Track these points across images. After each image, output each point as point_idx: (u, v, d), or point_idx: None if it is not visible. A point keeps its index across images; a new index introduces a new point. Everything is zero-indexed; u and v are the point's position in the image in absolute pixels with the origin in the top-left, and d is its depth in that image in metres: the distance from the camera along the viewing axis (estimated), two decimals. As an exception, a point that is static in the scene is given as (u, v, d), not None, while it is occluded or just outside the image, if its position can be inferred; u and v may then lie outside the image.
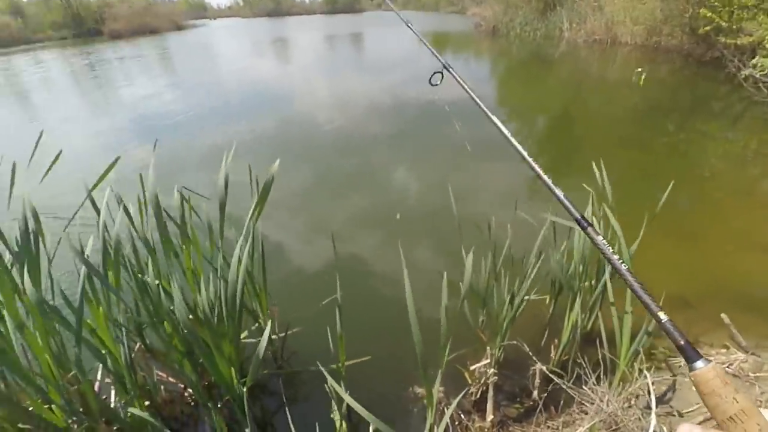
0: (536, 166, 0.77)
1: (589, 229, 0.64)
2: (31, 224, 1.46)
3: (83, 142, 6.35)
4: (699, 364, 0.45)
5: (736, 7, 7.62)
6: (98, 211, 1.63)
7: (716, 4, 8.08)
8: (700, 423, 0.41)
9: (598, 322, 2.05)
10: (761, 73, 6.20)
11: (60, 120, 7.96)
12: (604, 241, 0.62)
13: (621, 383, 1.81)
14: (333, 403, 1.74)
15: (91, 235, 1.74)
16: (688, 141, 5.33)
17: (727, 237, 3.27)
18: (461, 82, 1.13)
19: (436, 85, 1.32)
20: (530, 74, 10.89)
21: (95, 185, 1.75)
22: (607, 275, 1.94)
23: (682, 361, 2.07)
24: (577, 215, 0.67)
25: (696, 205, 3.80)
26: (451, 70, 1.26)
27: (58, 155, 1.71)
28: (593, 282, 2.09)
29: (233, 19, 61.86)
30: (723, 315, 2.12)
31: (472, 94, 1.06)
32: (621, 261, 0.59)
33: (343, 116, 7.24)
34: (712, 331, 2.24)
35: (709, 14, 8.26)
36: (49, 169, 1.64)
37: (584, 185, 2.20)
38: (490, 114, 0.95)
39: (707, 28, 8.53)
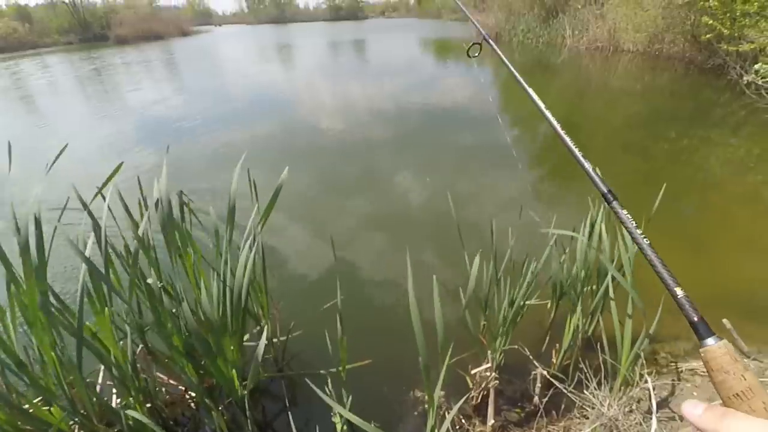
0: (568, 140, 0.78)
1: (614, 203, 0.65)
2: (31, 228, 1.48)
3: (89, 145, 6.40)
4: (710, 341, 0.46)
5: (738, 14, 7.65)
6: (91, 214, 1.65)
7: (718, 12, 8.12)
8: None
9: (599, 327, 2.05)
10: (763, 79, 6.21)
11: (67, 124, 8.02)
12: (628, 215, 0.63)
13: (622, 388, 1.81)
14: (334, 405, 1.74)
15: (91, 236, 1.75)
16: (690, 148, 5.33)
17: (731, 243, 3.27)
18: (498, 51, 1.17)
19: (475, 56, 1.40)
20: (533, 81, 10.75)
21: (98, 192, 1.77)
22: (609, 279, 1.94)
23: (683, 365, 2.07)
24: (604, 189, 0.68)
25: (699, 211, 3.80)
26: (490, 41, 1.31)
27: (64, 148, 1.72)
28: (594, 287, 2.09)
29: (238, 26, 62.34)
30: (725, 320, 2.11)
31: (509, 64, 1.09)
32: (643, 235, 0.59)
33: (347, 122, 7.28)
34: (714, 337, 2.23)
35: (710, 22, 8.31)
36: (55, 160, 1.66)
37: (586, 191, 2.20)
38: (526, 85, 0.96)
39: (709, 35, 8.57)
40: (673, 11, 10.51)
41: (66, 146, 1.74)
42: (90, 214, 1.60)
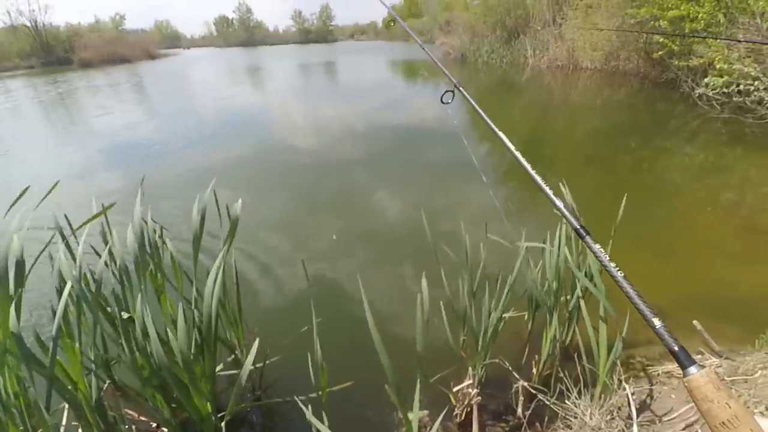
0: (538, 179, 0.80)
1: (587, 237, 0.66)
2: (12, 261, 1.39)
3: (54, 173, 6.15)
4: (692, 370, 0.45)
5: (686, 32, 8.16)
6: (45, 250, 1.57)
7: (668, 30, 8.64)
8: (683, 430, 0.41)
9: (575, 336, 2.07)
10: (713, 91, 6.60)
11: (31, 151, 7.68)
12: (601, 249, 0.64)
13: (602, 395, 1.83)
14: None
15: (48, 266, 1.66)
16: (650, 158, 5.57)
17: (695, 247, 3.41)
18: (470, 99, 1.19)
19: (448, 103, 1.39)
20: (498, 99, 11.28)
21: (83, 224, 1.69)
22: (579, 289, 1.98)
23: (659, 368, 2.11)
24: (576, 224, 0.69)
25: (663, 218, 3.95)
26: (461, 89, 1.32)
27: (25, 190, 1.65)
28: (568, 297, 2.12)
29: (207, 49, 62.11)
30: (695, 322, 2.18)
31: (480, 111, 1.11)
32: (617, 268, 0.60)
33: (319, 142, 7.28)
34: (686, 339, 2.30)
35: (661, 40, 8.82)
36: (14, 203, 1.59)
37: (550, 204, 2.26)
38: (497, 130, 0.99)
39: (661, 52, 9.10)
40: (626, 31, 11.12)
41: (27, 189, 1.67)
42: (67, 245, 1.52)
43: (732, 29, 7.41)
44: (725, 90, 6.50)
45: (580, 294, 1.95)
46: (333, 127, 8.32)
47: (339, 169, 5.80)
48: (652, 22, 9.26)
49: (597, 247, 0.63)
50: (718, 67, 6.60)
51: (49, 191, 1.64)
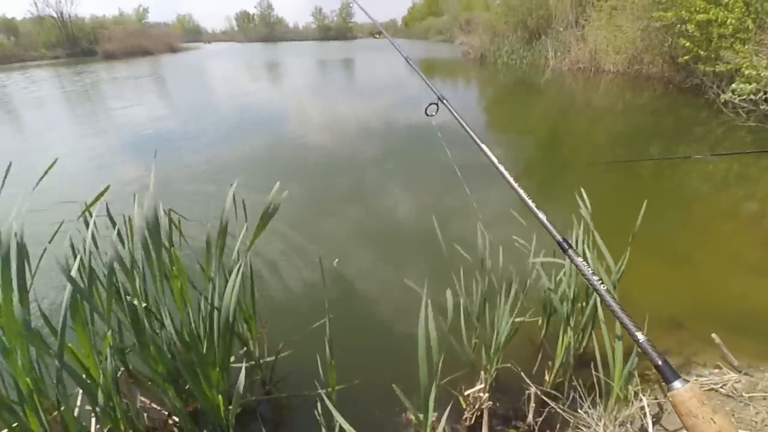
0: (522, 192, 0.79)
1: (570, 251, 0.65)
2: (13, 245, 1.42)
3: (77, 163, 6.29)
4: (676, 384, 0.44)
5: (714, 36, 7.95)
6: (58, 236, 1.60)
7: (695, 34, 8.44)
8: None
9: (591, 344, 2.03)
10: (740, 98, 6.43)
11: (55, 141, 7.85)
12: (584, 262, 0.63)
13: (616, 406, 1.79)
14: (323, 429, 1.69)
15: (72, 253, 1.69)
16: (672, 165, 5.45)
17: (715, 258, 3.32)
18: (454, 113, 1.17)
19: (432, 115, 1.36)
20: (517, 100, 11.16)
21: (85, 209, 1.72)
22: (596, 297, 1.94)
23: (676, 383, 2.06)
24: (559, 238, 0.68)
25: (683, 227, 3.86)
26: (445, 102, 1.29)
27: (54, 162, 1.68)
28: (584, 304, 2.09)
29: (228, 44, 62.74)
30: (714, 335, 2.12)
31: (463, 123, 1.10)
32: (601, 282, 0.59)
33: (335, 139, 7.30)
34: (704, 352, 2.24)
35: (688, 44, 8.62)
36: (44, 175, 1.62)
37: (570, 208, 2.22)
38: (480, 143, 0.98)
39: (686, 57, 8.88)
40: (651, 34, 10.89)
41: (55, 161, 1.70)
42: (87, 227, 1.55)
43: (761, 35, 7.21)
44: (752, 97, 6.32)
45: (599, 300, 1.91)
46: (351, 125, 8.34)
47: (353, 167, 5.80)
48: (678, 26, 9.05)
49: (579, 260, 0.62)
50: (746, 73, 6.42)
51: (48, 168, 1.66)
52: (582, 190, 2.14)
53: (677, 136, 6.81)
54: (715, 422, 0.40)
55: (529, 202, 0.75)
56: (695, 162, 5.51)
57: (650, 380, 2.11)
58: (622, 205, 4.12)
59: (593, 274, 0.59)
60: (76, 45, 37.04)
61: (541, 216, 0.72)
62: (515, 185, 0.81)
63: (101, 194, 1.75)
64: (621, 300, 1.73)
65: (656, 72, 11.47)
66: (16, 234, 1.41)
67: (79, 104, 12.11)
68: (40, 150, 7.19)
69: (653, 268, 3.06)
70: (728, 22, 7.64)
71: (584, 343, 2.17)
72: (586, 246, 2.04)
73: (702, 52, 8.47)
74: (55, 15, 38.72)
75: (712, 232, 3.77)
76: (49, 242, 1.65)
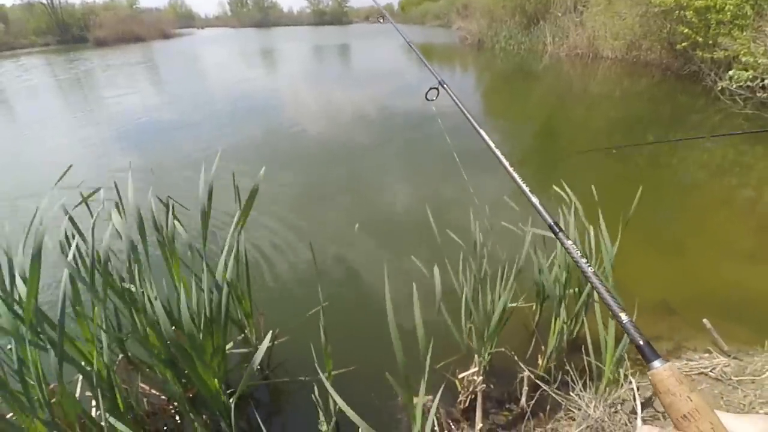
0: (515, 175, 0.80)
1: (560, 234, 0.67)
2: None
3: (74, 153, 6.24)
4: (656, 363, 0.46)
5: (712, 23, 7.90)
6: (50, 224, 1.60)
7: (693, 20, 8.38)
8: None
9: (583, 329, 2.07)
10: (737, 85, 6.42)
11: (50, 131, 7.77)
12: (573, 245, 0.64)
13: (607, 389, 1.83)
14: (320, 413, 1.72)
15: (65, 241, 1.70)
16: (668, 152, 5.46)
17: (709, 245, 3.35)
18: (454, 97, 1.17)
19: (432, 100, 1.36)
20: (514, 86, 11.10)
21: (83, 200, 1.72)
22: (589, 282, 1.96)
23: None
24: (550, 221, 0.70)
25: (677, 213, 3.89)
26: (446, 86, 1.29)
27: (68, 168, 1.70)
28: (577, 289, 2.11)
29: (221, 29, 61.75)
30: (705, 320, 2.16)
31: (462, 108, 1.10)
32: (588, 264, 0.61)
33: (330, 125, 7.26)
34: (695, 337, 2.29)
35: (686, 30, 8.57)
36: (60, 179, 1.63)
37: (564, 194, 2.24)
38: (477, 127, 0.98)
39: (684, 43, 8.83)
40: (650, 20, 10.80)
41: (70, 167, 1.71)
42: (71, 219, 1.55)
43: (760, 22, 7.17)
44: (749, 84, 6.31)
45: (590, 287, 1.94)
46: (348, 112, 8.29)
47: (350, 155, 5.79)
48: (677, 12, 8.98)
49: (569, 242, 0.64)
50: (743, 60, 6.40)
51: (63, 174, 1.67)
52: (577, 176, 2.16)
53: (674, 123, 6.82)
54: (691, 400, 0.42)
55: (522, 185, 0.76)
56: (691, 149, 5.51)
57: (641, 364, 2.15)
58: (618, 192, 4.14)
59: (582, 256, 0.60)
60: (67, 32, 36.42)
61: (534, 199, 0.74)
62: (510, 169, 0.82)
63: (65, 173, 1.76)
64: (615, 285, 1.76)
65: (654, 58, 11.40)
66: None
67: (73, 93, 11.96)
68: (34, 141, 7.13)
69: (647, 254, 3.10)
70: (726, 8, 7.59)
71: (577, 329, 2.21)
72: (577, 231, 2.06)
73: (700, 39, 8.42)
74: (44, 1, 37.99)
75: (707, 219, 3.80)
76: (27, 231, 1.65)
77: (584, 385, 1.84)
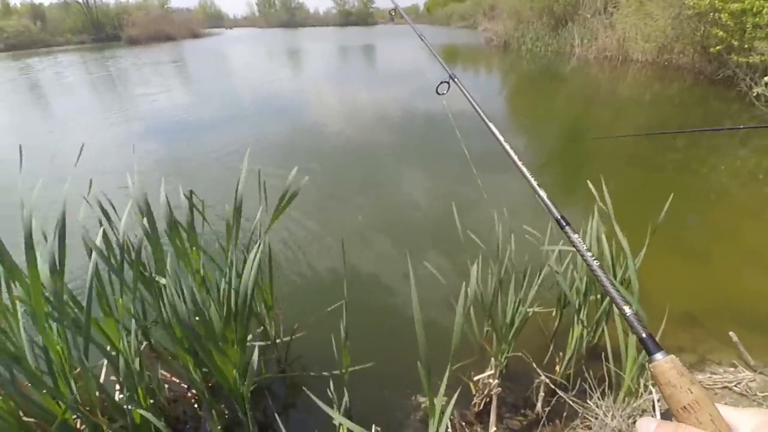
0: (524, 169, 0.80)
1: (567, 228, 0.67)
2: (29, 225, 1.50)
3: (103, 144, 6.48)
4: (658, 356, 0.47)
5: (748, 26, 7.62)
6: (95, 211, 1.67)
7: (729, 23, 8.10)
8: None
9: (603, 336, 2.03)
10: (774, 91, 6.18)
11: (84, 127, 8.08)
12: (580, 239, 0.64)
13: (626, 398, 1.79)
14: (335, 408, 1.74)
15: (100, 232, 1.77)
16: (698, 158, 5.30)
17: (737, 255, 3.24)
18: (465, 92, 1.17)
19: (443, 94, 1.36)
20: (540, 89, 10.93)
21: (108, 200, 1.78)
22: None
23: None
24: (557, 214, 0.70)
25: (706, 222, 3.77)
26: (456, 80, 1.30)
27: (82, 148, 1.77)
28: (599, 296, 2.08)
29: (249, 29, 62.87)
30: (731, 333, 2.10)
31: (473, 102, 1.10)
32: (593, 257, 0.61)
33: (354, 125, 7.31)
34: (720, 350, 2.22)
35: (720, 34, 8.29)
36: (78, 159, 1.71)
37: (589, 199, 2.20)
38: (488, 122, 0.99)
39: (719, 47, 8.54)
40: (683, 22, 10.49)
41: (83, 145, 1.77)
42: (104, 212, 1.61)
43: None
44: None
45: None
46: (372, 113, 8.34)
47: (373, 155, 5.82)
48: (711, 15, 8.69)
49: (575, 236, 0.64)
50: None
51: (79, 155, 1.75)
52: (602, 181, 2.12)
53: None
54: (692, 392, 0.43)
55: (531, 179, 0.77)
56: (723, 157, 5.34)
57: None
58: (643, 197, 4.05)
59: (588, 250, 0.61)
60: (101, 30, 37.68)
61: (542, 193, 0.74)
62: (519, 163, 0.82)
63: (80, 152, 1.82)
64: (639, 291, 1.73)
65: (686, 62, 11.06)
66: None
67: (107, 90, 12.36)
68: (69, 136, 7.42)
69: (672, 262, 3.02)
70: (764, 11, 7.30)
71: (597, 335, 2.17)
72: (604, 236, 2.02)
73: (735, 42, 8.13)
74: (80, 1, 39.39)
75: (735, 227, 3.67)
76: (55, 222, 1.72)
77: (602, 393, 1.81)
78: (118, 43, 32.96)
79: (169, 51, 24.44)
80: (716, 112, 7.64)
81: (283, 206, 1.85)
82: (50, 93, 12.22)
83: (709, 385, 1.96)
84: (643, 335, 0.50)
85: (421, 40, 1.69)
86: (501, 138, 0.92)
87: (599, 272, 0.58)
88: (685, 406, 0.42)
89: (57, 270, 1.47)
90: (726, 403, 1.73)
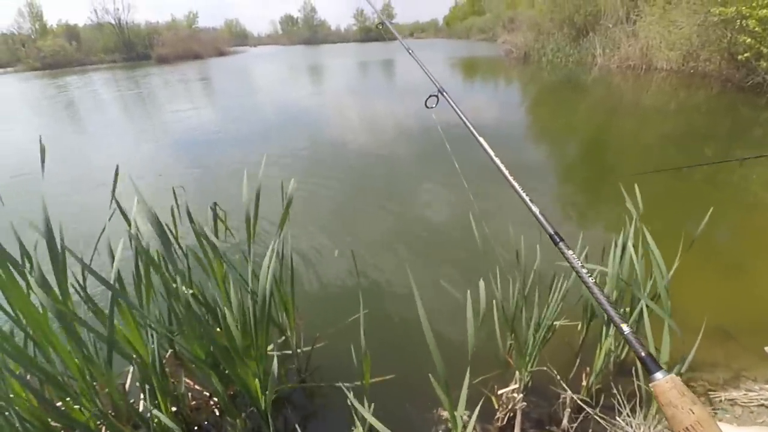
0: (517, 186, 0.80)
1: (561, 244, 0.66)
2: (54, 235, 1.54)
3: (138, 164, 6.71)
4: (658, 375, 0.45)
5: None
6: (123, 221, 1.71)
7: (757, 30, 7.89)
8: None
9: (632, 351, 1.96)
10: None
11: (113, 141, 8.40)
12: (574, 255, 0.63)
13: (657, 415, 1.72)
14: (356, 419, 1.72)
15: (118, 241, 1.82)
16: (728, 168, 5.12)
17: (772, 268, 3.10)
18: (454, 106, 1.20)
19: (432, 107, 1.39)
20: (561, 98, 10.83)
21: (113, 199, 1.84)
22: (643, 303, 1.86)
23: (723, 395, 1.95)
24: (551, 230, 0.69)
25: (738, 234, 3.63)
26: (445, 94, 1.33)
27: (117, 171, 1.83)
28: (628, 309, 2.01)
29: (272, 47, 64.60)
30: (766, 348, 2.00)
31: (462, 116, 1.12)
32: (589, 275, 0.59)
33: (371, 137, 7.37)
34: (756, 366, 2.11)
35: (749, 40, 8.08)
36: (115, 184, 1.77)
37: (617, 212, 2.15)
38: (478, 137, 1.00)
39: (747, 54, 8.32)
40: (709, 29, 10.26)
41: (117, 168, 1.83)
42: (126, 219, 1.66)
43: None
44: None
45: (645, 306, 1.83)
46: (388, 125, 8.41)
47: (390, 165, 5.84)
48: (738, 21, 8.49)
49: (570, 253, 0.63)
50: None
51: (115, 178, 1.81)
52: (628, 194, 2.07)
53: (734, 138, 6.40)
54: (694, 413, 0.41)
55: (524, 195, 0.77)
56: (754, 165, 5.14)
57: (696, 391, 2.01)
58: (671, 209, 3.93)
59: (582, 267, 0.60)
60: (132, 50, 39.33)
61: (534, 209, 0.74)
62: (511, 179, 0.83)
63: (116, 174, 1.87)
64: (671, 304, 1.66)
65: (713, 69, 10.79)
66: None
67: (140, 107, 12.81)
68: (102, 151, 7.72)
69: (704, 276, 2.90)
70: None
71: (626, 350, 2.10)
72: (633, 249, 1.97)
73: (764, 49, 7.91)
74: (113, 22, 41.30)
75: (769, 240, 3.52)
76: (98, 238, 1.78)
77: (632, 410, 1.74)
78: (147, 61, 34.30)
79: (197, 69, 25.28)
80: (746, 120, 7.40)
81: (284, 212, 1.87)
82: (88, 109, 12.77)
83: (744, 402, 1.86)
84: (643, 354, 0.48)
85: (410, 54, 1.74)
86: (491, 152, 0.93)
87: (595, 289, 0.57)
88: (687, 428, 0.41)
89: (82, 276, 1.52)
90: (763, 422, 1.64)
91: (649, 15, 13.00)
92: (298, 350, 2.23)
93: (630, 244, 1.98)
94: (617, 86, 11.76)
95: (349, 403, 1.63)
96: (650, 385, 0.46)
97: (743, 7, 8.06)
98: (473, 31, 43.12)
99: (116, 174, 1.83)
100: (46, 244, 1.47)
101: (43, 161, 1.69)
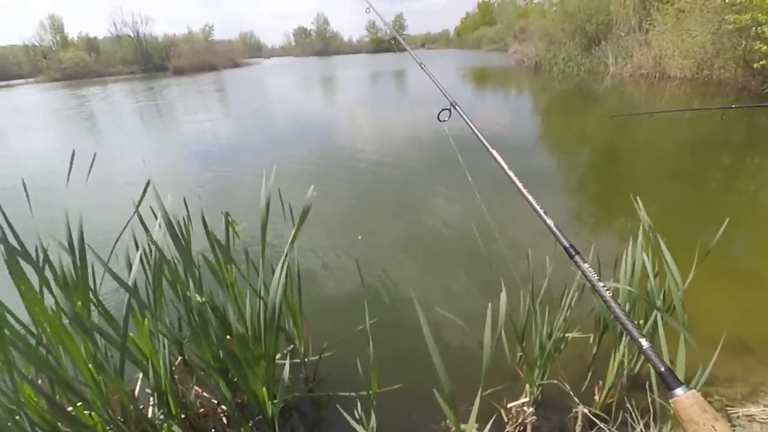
0: (531, 198, 0.80)
1: (576, 257, 0.65)
2: (77, 239, 1.57)
3: (155, 172, 6.84)
4: (678, 391, 0.44)
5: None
6: (136, 227, 1.74)
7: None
8: None
9: (647, 365, 1.92)
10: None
11: (128, 148, 8.59)
12: (590, 269, 0.62)
13: (672, 431, 1.67)
14: (363, 429, 1.71)
15: (134, 249, 1.84)
16: (745, 177, 5.02)
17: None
18: (467, 119, 1.20)
19: (445, 120, 1.40)
20: (572, 108, 10.77)
21: (136, 209, 1.87)
22: (656, 316, 1.82)
23: (740, 410, 1.89)
24: (566, 243, 0.68)
25: (756, 244, 3.54)
26: (457, 108, 1.34)
27: (148, 184, 1.85)
28: (641, 321, 1.97)
29: (286, 58, 65.64)
30: (790, 363, 1.93)
31: (474, 129, 1.12)
32: (606, 288, 0.58)
33: (382, 147, 7.40)
34: (776, 380, 2.05)
35: (764, 48, 7.97)
36: (143, 196, 1.81)
37: (629, 219, 2.12)
38: (491, 149, 1.00)
39: (762, 62, 8.20)
40: (723, 37, 10.15)
41: (149, 182, 1.86)
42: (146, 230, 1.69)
43: None
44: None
45: (659, 320, 1.79)
46: (399, 135, 8.44)
47: (399, 174, 5.85)
48: (754, 29, 8.38)
49: (586, 266, 0.62)
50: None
51: (144, 190, 1.84)
52: (643, 201, 2.04)
53: (750, 147, 6.29)
54: (716, 429, 0.40)
55: (538, 207, 0.76)
56: (773, 174, 5.03)
57: (713, 407, 1.95)
58: (685, 218, 3.85)
59: (599, 280, 0.59)
60: (150, 61, 40.33)
61: (549, 222, 0.73)
62: (525, 191, 0.82)
63: (145, 189, 1.89)
64: (686, 317, 1.62)
65: (728, 77, 10.64)
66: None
67: (159, 117, 13.11)
68: (119, 160, 7.88)
69: (722, 287, 2.83)
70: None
71: (639, 363, 2.05)
72: (645, 256, 1.93)
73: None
74: (131, 34, 42.43)
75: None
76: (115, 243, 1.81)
77: (646, 425, 1.69)
78: (164, 73, 35.08)
79: (213, 80, 25.77)
80: (762, 128, 7.27)
81: (300, 221, 1.88)
82: (110, 119, 13.09)
83: (763, 419, 1.80)
84: (662, 369, 0.47)
85: (422, 68, 1.75)
86: (505, 166, 0.93)
87: (612, 303, 0.56)
88: None
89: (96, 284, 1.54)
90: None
91: (662, 24, 12.92)
92: (306, 359, 2.23)
93: (644, 254, 1.94)
94: (630, 94, 11.67)
95: (356, 414, 1.62)
96: (671, 401, 0.45)
97: (759, 15, 7.96)
98: (484, 41, 43.28)
99: (146, 187, 1.84)
100: (68, 249, 1.51)
101: (70, 169, 1.73)
